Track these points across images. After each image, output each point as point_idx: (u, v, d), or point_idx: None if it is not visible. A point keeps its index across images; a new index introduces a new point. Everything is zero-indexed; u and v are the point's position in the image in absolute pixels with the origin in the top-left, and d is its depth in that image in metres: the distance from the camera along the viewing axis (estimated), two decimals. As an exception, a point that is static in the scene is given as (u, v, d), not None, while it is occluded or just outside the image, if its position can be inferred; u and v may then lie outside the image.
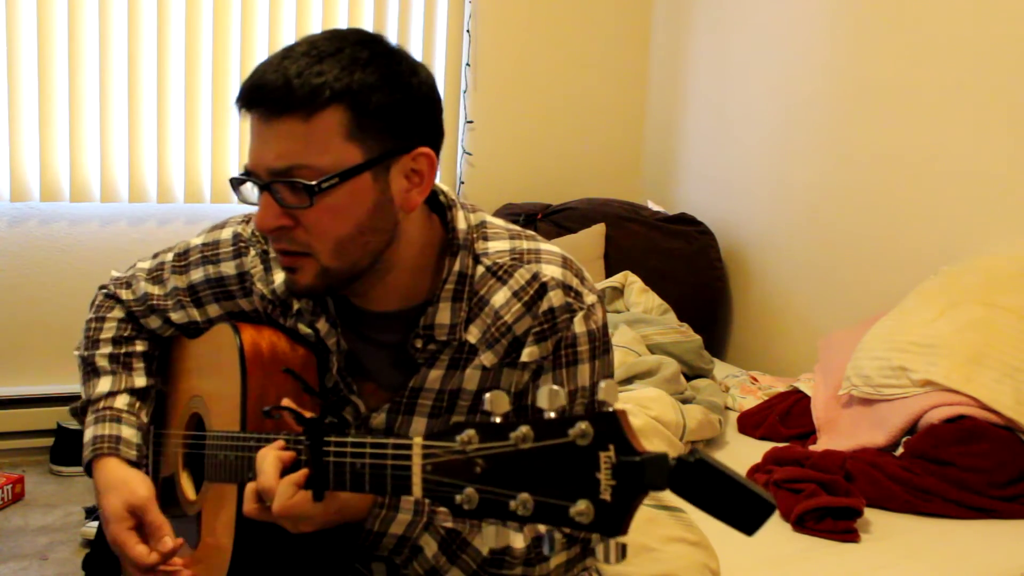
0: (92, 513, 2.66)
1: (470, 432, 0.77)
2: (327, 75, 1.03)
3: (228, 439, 1.15)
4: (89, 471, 1.29)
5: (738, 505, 0.67)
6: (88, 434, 1.30)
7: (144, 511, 1.23)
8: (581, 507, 0.70)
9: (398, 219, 1.11)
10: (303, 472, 0.99)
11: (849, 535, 1.82)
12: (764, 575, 1.70)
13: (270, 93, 1.03)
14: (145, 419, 1.35)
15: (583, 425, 0.71)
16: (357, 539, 1.06)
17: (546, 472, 0.73)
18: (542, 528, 0.77)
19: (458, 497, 0.77)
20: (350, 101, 1.03)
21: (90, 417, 1.32)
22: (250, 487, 1.03)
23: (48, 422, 3.10)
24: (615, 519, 0.70)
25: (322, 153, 1.04)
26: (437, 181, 1.16)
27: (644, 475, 0.69)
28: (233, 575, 1.13)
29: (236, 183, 1.10)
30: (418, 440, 0.83)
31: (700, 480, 0.68)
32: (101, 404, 1.32)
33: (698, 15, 3.64)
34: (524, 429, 0.74)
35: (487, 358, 1.16)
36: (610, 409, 0.71)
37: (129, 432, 1.30)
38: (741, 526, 0.68)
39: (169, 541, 1.20)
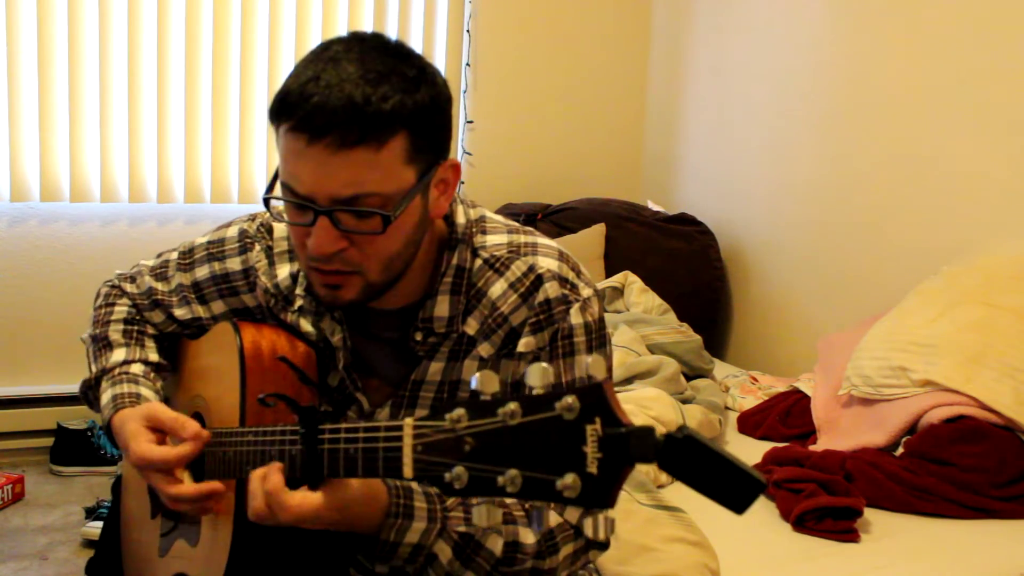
0: (92, 513, 2.66)
1: (460, 411, 0.78)
2: (391, 100, 1.00)
3: (226, 435, 1.15)
4: (110, 434, 1.26)
5: (727, 483, 0.67)
6: (106, 397, 1.28)
7: (156, 411, 1.19)
8: (568, 480, 0.70)
9: (427, 227, 1.13)
10: (277, 467, 1.00)
11: (849, 535, 1.82)
12: (764, 575, 1.70)
13: (342, 122, 0.99)
14: (161, 390, 1.33)
15: (569, 399, 0.71)
16: (373, 549, 1.06)
17: (534, 447, 0.73)
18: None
19: (447, 475, 0.77)
20: (412, 126, 1.03)
21: (106, 384, 1.30)
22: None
23: (48, 422, 3.10)
24: (602, 492, 0.70)
25: (389, 180, 1.03)
26: None
27: (629, 446, 0.69)
28: (232, 570, 1.13)
29: (280, 201, 1.06)
30: (409, 421, 0.84)
31: (689, 457, 0.67)
32: (117, 371, 1.31)
33: (698, 16, 3.64)
34: (512, 405, 0.74)
35: (484, 349, 1.18)
36: (596, 382, 0.71)
37: (148, 393, 1.28)
38: (730, 504, 0.67)
39: (191, 426, 1.16)
